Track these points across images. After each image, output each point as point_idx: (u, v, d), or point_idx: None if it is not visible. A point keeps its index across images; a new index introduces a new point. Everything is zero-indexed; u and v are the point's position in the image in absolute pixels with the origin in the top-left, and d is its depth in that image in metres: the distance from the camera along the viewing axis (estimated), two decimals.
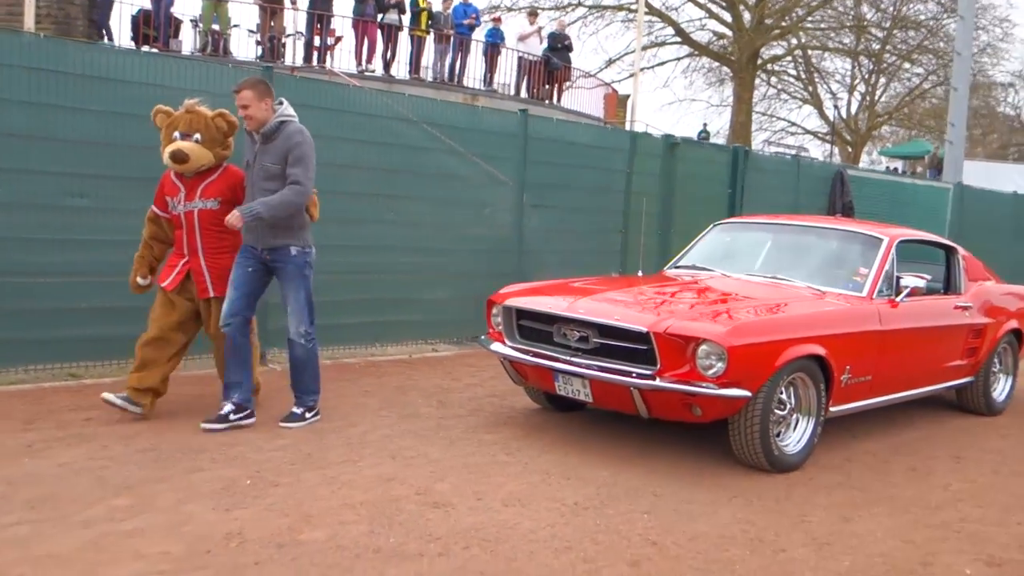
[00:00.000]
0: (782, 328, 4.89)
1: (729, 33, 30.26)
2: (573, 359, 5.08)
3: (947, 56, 30.69)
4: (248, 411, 5.24)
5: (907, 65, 34.11)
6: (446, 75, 16.38)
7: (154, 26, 14.34)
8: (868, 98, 39.75)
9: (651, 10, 28.40)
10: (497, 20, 17.68)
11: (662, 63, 31.48)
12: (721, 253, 6.56)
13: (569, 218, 9.22)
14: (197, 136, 5.14)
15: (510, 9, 23.30)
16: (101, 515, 3.80)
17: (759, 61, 30.31)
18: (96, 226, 6.14)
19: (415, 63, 16.07)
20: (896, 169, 30.64)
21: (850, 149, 40.09)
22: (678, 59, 32.28)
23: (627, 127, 18.91)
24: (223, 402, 5.22)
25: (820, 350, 4.97)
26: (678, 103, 61.95)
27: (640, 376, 4.76)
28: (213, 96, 5.77)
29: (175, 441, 4.88)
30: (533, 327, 5.43)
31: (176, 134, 5.16)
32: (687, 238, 9.57)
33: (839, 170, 12.48)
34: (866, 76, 38.27)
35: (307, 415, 5.37)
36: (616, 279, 6.42)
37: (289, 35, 15.31)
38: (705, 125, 33.76)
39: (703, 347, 4.61)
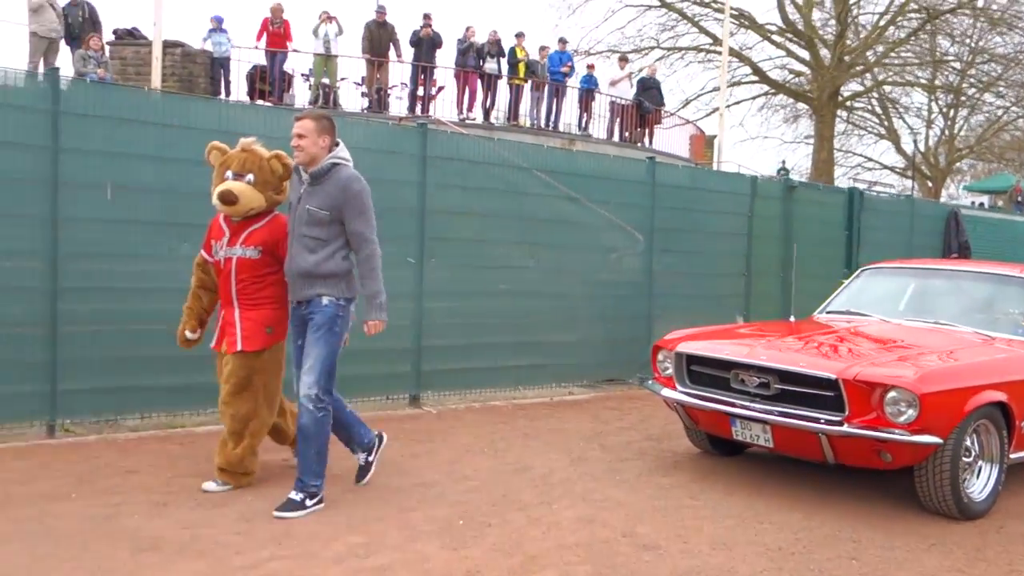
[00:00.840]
0: (969, 375, 4.97)
1: (805, 70, 30.28)
2: (753, 405, 5.21)
3: None
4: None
5: (987, 97, 33.61)
6: (542, 121, 16.74)
7: (268, 81, 14.98)
8: (947, 132, 39.20)
9: (729, 51, 28.63)
10: (591, 67, 18.05)
11: (738, 102, 31.60)
12: (873, 298, 6.63)
13: (694, 262, 9.37)
14: (250, 177, 4.75)
15: (595, 53, 23.62)
16: (344, 551, 4.04)
17: (839, 98, 30.17)
18: None
19: (513, 110, 16.48)
20: (982, 204, 30.12)
21: (930, 184, 39.51)
22: (753, 98, 32.41)
23: (715, 167, 19.08)
24: (356, 453, 5.13)
25: (1002, 396, 5.02)
26: (750, 140, 61.75)
27: (828, 422, 4.87)
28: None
29: (378, 482, 5.12)
30: (707, 372, 5.57)
31: (228, 173, 4.77)
32: (810, 282, 9.68)
33: (952, 210, 12.44)
34: (944, 110, 37.76)
35: (308, 503, 4.58)
36: (778, 324, 6.54)
37: (393, 86, 15.85)
38: (783, 162, 33.74)
39: (892, 393, 4.71)
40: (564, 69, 16.77)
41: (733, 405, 5.31)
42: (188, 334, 4.97)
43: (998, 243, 12.27)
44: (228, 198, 4.68)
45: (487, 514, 4.68)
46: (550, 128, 16.68)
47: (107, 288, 5.96)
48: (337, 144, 4.67)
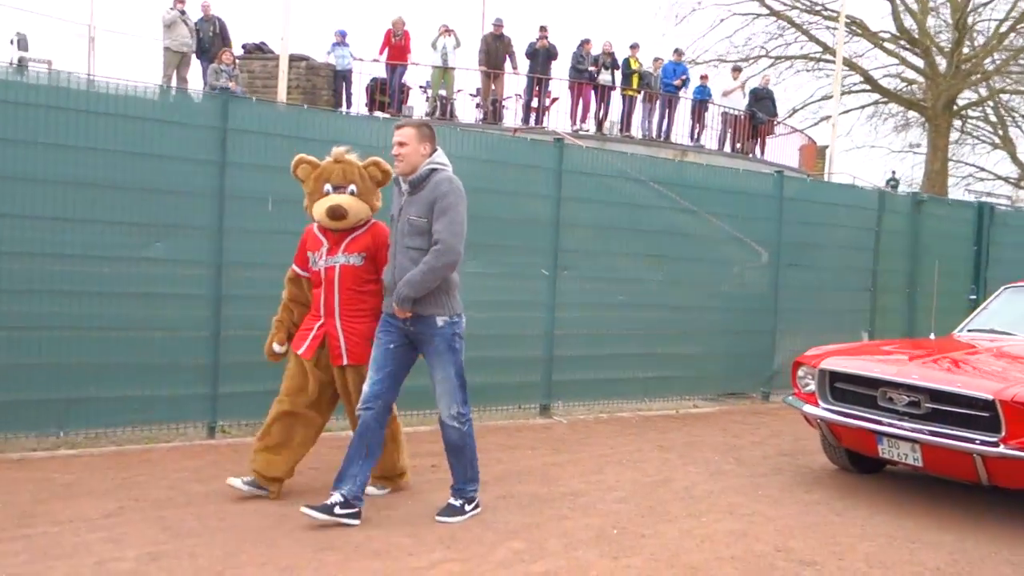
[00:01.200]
0: None
1: (919, 79, 29.42)
2: (903, 423, 5.19)
3: None
4: (356, 510, 4.48)
5: None
6: (654, 132, 16.77)
7: (387, 93, 15.43)
8: None
9: (848, 63, 28.05)
10: (704, 78, 17.98)
11: (847, 110, 30.89)
12: (1017, 317, 6.49)
13: (820, 277, 9.28)
14: (352, 188, 4.71)
15: (702, 62, 23.46)
16: (509, 556, 4.21)
17: (955, 108, 29.21)
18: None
19: (626, 121, 16.55)
20: None
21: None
22: (863, 107, 31.66)
23: (826, 177, 18.74)
24: (332, 490, 4.50)
25: None
26: (855, 149, 60.12)
27: (983, 443, 4.82)
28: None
29: (527, 490, 5.29)
30: (852, 390, 5.56)
31: (328, 187, 4.70)
32: (945, 299, 9.46)
33: None
34: None
35: (467, 508, 4.71)
36: (921, 342, 6.45)
37: (508, 97, 16.13)
38: (894, 173, 32.80)
39: None
40: (677, 83, 16.76)
41: (880, 423, 5.30)
42: (276, 347, 4.91)
43: None
44: (339, 213, 4.64)
45: (639, 524, 4.79)
46: (662, 139, 16.68)
47: (266, 296, 6.29)
48: (437, 151, 4.58)
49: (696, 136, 17.37)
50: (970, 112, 32.78)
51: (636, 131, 16.62)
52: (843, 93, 30.01)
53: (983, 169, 39.72)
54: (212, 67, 13.77)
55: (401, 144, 4.49)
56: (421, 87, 16.01)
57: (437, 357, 4.55)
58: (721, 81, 18.65)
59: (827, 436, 5.86)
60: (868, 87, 29.65)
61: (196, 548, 4.07)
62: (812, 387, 5.81)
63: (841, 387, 5.63)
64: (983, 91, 30.13)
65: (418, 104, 16.09)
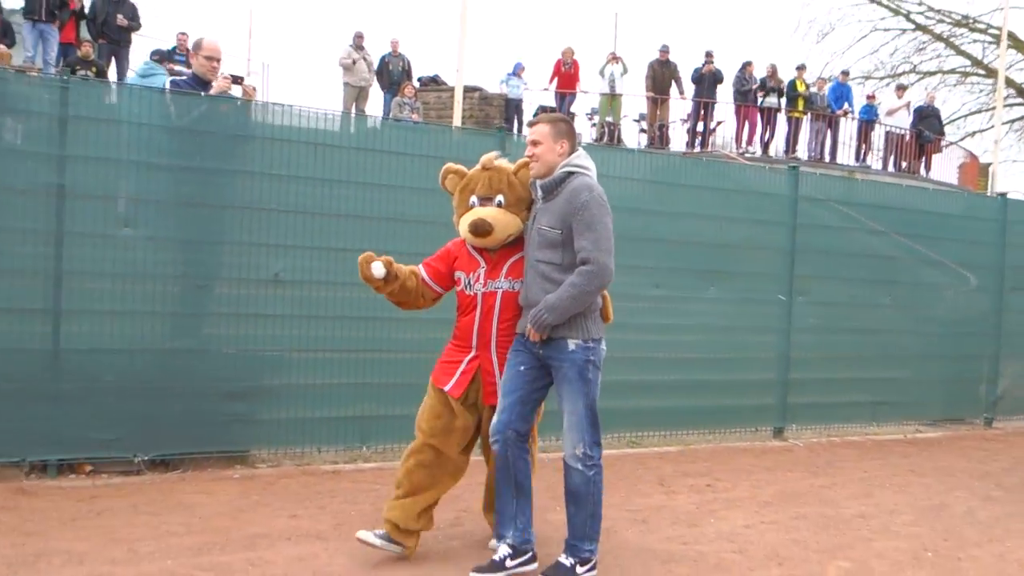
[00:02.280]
0: None
1: None
2: None
3: None
4: (529, 555, 4.08)
5: None
6: (818, 153, 16.67)
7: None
8: None
9: (988, 72, 27.22)
10: (871, 97, 17.78)
11: (988, 127, 29.84)
12: None
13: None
14: (500, 198, 4.06)
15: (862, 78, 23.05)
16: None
17: None
18: (670, 312, 7.02)
19: (791, 143, 16.51)
20: None
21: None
22: (1012, 121, 30.52)
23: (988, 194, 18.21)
24: (497, 542, 4.13)
25: None
26: (1010, 163, 57.82)
27: None
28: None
29: (814, 511, 5.44)
30: None
31: (473, 199, 4.10)
32: None
33: None
34: None
35: (578, 569, 3.97)
36: None
37: (673, 122, 16.34)
38: None
39: None
40: (840, 114, 16.65)
41: None
42: (376, 267, 4.04)
43: None
44: (483, 228, 3.99)
45: (949, 548, 4.86)
46: (827, 160, 16.56)
47: None
48: (578, 151, 4.02)
49: (863, 156, 17.17)
50: None
51: (802, 152, 16.54)
52: (993, 108, 29.14)
53: None
54: (396, 100, 14.45)
55: (534, 143, 3.95)
56: (587, 114, 16.37)
57: (566, 385, 3.93)
58: (885, 99, 18.38)
59: None
60: (1021, 100, 28.63)
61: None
62: None
63: None
64: None
65: (584, 130, 16.46)
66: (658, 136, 15.93)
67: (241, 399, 5.64)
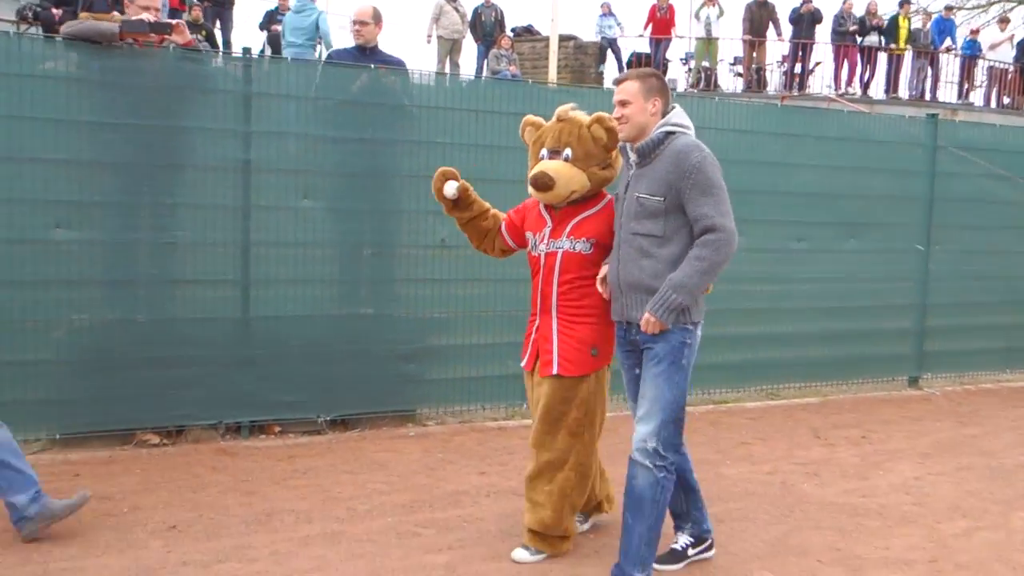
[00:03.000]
0: None
1: None
2: None
3: None
4: (708, 542, 3.91)
5: None
6: (919, 92, 16.26)
7: (646, 65, 15.70)
8: None
9: None
10: (975, 32, 17.22)
11: None
12: None
13: None
14: (567, 152, 3.73)
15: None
16: None
17: None
18: (810, 263, 7.08)
19: (892, 81, 16.13)
20: None
21: None
22: None
23: None
24: (676, 533, 3.91)
25: None
26: None
27: None
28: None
29: (985, 462, 5.51)
30: None
31: (544, 152, 3.81)
32: None
33: None
34: None
35: None
36: None
37: (770, 64, 16.07)
38: None
39: None
40: (943, 50, 16.16)
41: None
42: (449, 186, 3.92)
43: None
44: (543, 182, 3.65)
45: None
46: (928, 99, 16.14)
47: None
48: (673, 108, 3.58)
49: (965, 93, 16.69)
50: None
51: (903, 91, 16.15)
52: None
53: None
54: (494, 52, 14.46)
55: (623, 103, 3.53)
56: (681, 59, 16.19)
57: (653, 367, 3.46)
58: (988, 34, 17.77)
59: None
60: None
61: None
62: None
63: None
64: None
65: (679, 76, 16.31)
66: (755, 79, 15.70)
67: (411, 360, 5.89)
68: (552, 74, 14.50)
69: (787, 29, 15.77)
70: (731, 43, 16.37)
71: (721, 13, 15.52)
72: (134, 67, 5.09)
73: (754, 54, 15.77)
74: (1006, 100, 17.03)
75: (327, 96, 5.53)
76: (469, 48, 15.71)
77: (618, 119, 3.56)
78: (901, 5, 15.84)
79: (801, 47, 15.70)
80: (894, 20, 15.77)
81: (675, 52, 16.35)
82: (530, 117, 3.99)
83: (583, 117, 3.82)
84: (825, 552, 4.05)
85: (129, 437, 5.27)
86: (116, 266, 5.15)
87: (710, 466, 5.25)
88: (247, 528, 4.11)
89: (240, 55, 5.37)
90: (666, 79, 3.75)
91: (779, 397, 7.15)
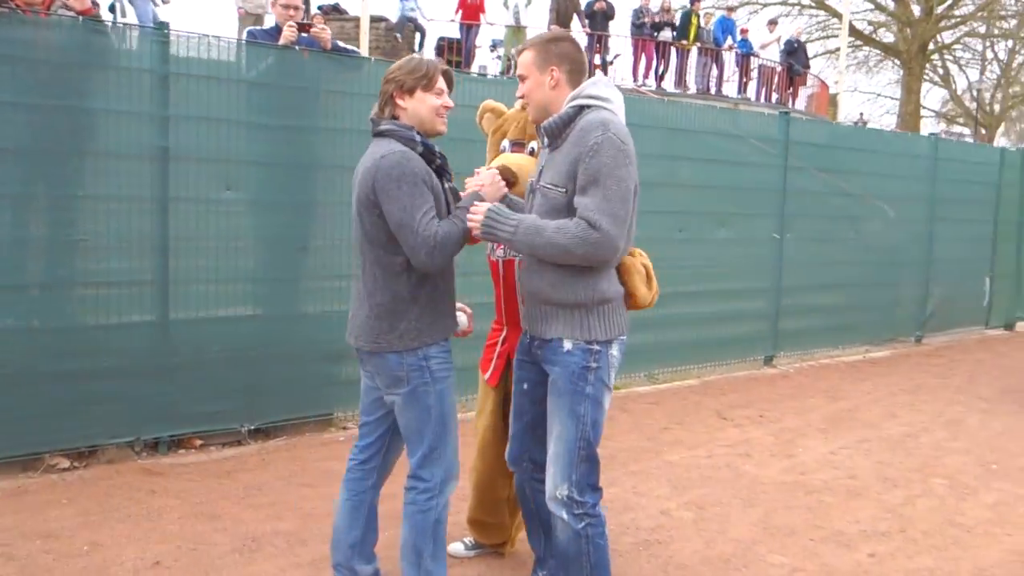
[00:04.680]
0: None
1: (885, 19, 30.74)
2: None
3: None
4: None
5: None
6: (704, 86, 17.47)
7: (457, 51, 15.69)
8: (1004, 79, 39.48)
9: (818, 2, 29.15)
10: (744, 31, 18.67)
11: (820, 54, 32.03)
12: None
13: (959, 229, 10.19)
14: (533, 145, 3.45)
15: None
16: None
17: (928, 51, 30.67)
18: (691, 252, 7.43)
19: (680, 75, 17.19)
20: None
21: (984, 131, 39.95)
22: (834, 50, 32.87)
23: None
24: (536, 571, 3.48)
25: None
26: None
27: None
28: None
29: (864, 433, 6.08)
30: None
31: (505, 143, 3.52)
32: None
33: None
34: (1001, 57, 37.93)
35: None
36: None
37: None
38: (861, 115, 34.34)
39: None
40: (727, 48, 17.44)
41: None
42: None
43: None
44: (505, 177, 3.18)
45: (1001, 459, 5.62)
46: (713, 93, 17.39)
47: None
48: (585, 78, 2.96)
49: (743, 89, 18.14)
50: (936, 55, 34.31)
51: (691, 85, 17.26)
52: (820, 38, 31.29)
53: (925, 108, 41.80)
54: (257, 29, 13.75)
55: (522, 79, 2.98)
56: (490, 46, 16.30)
57: (554, 399, 2.94)
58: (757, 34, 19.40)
59: None
60: (852, 38, 30.81)
61: None
62: None
63: None
64: (951, 36, 31.73)
65: (488, 63, 16.41)
66: None
67: (337, 361, 5.56)
68: (363, 51, 14.10)
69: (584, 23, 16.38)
70: (539, 32, 16.71)
71: (529, 2, 15.81)
72: (28, 38, 4.39)
73: None
74: (774, 97, 18.70)
75: (257, 80, 5.07)
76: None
77: (520, 98, 3.07)
78: (692, 3, 16.92)
79: (597, 40, 16.35)
80: (687, 17, 16.82)
81: (484, 38, 16.46)
82: (489, 103, 3.69)
83: None
84: (811, 530, 4.31)
85: (33, 463, 4.59)
86: (11, 268, 4.45)
87: (652, 454, 5.39)
88: (242, 558, 3.73)
89: (156, 28, 4.78)
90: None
91: (658, 381, 7.45)
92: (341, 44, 5.81)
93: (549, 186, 2.87)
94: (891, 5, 30.02)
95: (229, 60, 5.05)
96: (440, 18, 16.01)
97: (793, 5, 28.70)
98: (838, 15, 29.49)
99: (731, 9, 18.13)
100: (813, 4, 28.22)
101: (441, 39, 15.91)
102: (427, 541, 3.00)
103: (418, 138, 2.96)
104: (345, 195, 5.36)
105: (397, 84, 2.97)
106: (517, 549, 3.87)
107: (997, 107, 39.89)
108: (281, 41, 5.33)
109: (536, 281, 2.92)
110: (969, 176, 10.26)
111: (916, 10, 29.21)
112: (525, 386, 3.14)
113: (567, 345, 2.89)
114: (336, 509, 3.28)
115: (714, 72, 17.57)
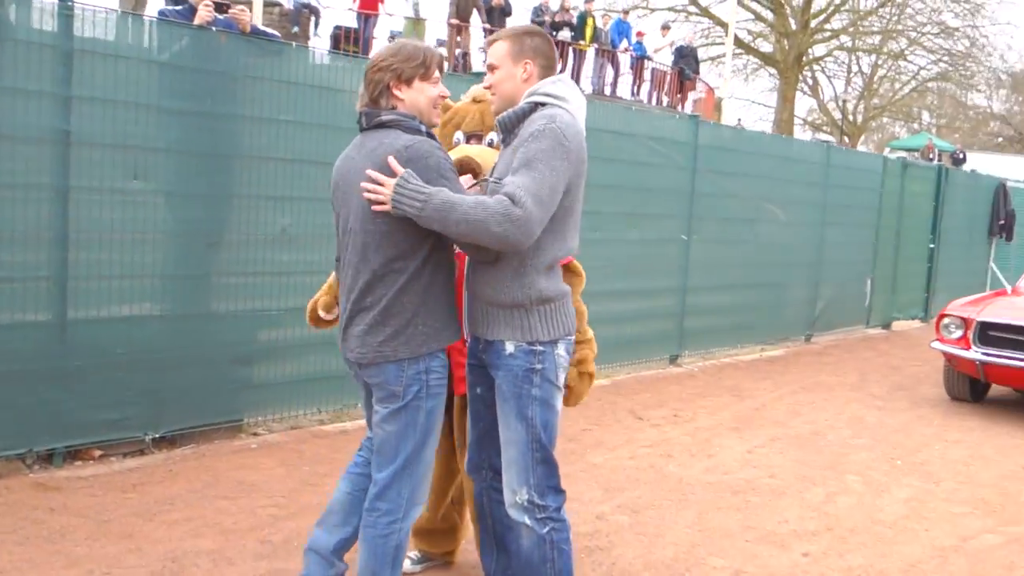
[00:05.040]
0: None
1: (763, 28, 31.96)
2: None
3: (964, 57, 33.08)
4: None
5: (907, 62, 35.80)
6: (604, 87, 17.65)
7: (353, 41, 15.31)
8: (866, 91, 41.65)
9: (703, 11, 30.00)
10: (640, 34, 18.95)
11: (704, 60, 32.98)
12: None
13: (846, 233, 10.59)
14: (492, 137, 3.32)
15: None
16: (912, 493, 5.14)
17: (803, 61, 32.02)
18: (605, 252, 7.43)
19: (576, 75, 17.28)
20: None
21: (847, 139, 42.06)
22: (714, 58, 33.93)
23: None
24: None
25: None
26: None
27: None
28: None
29: (779, 432, 6.21)
30: (1004, 336, 6.83)
31: (459, 135, 3.39)
32: (912, 248, 11.15)
33: (1001, 183, 14.08)
34: (865, 71, 40.00)
35: None
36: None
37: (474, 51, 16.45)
38: (739, 120, 35.54)
39: None
40: (622, 50, 17.66)
41: None
42: (322, 313, 3.32)
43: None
44: (468, 169, 3.15)
45: (904, 454, 5.83)
46: (608, 94, 17.58)
47: None
48: (551, 75, 2.90)
49: (636, 91, 18.42)
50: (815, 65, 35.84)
51: (585, 86, 17.39)
52: (703, 45, 32.20)
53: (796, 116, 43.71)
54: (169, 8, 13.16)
55: (491, 68, 2.89)
56: (389, 38, 15.95)
57: (502, 405, 2.86)
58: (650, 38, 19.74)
59: (951, 372, 7.16)
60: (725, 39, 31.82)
61: None
62: (958, 335, 7.06)
63: (995, 335, 6.89)
64: (823, 49, 33.25)
65: None
66: (460, 64, 15.97)
67: (247, 364, 5.29)
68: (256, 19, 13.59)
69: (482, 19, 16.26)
70: (439, 25, 16.54)
71: None
72: None
73: (459, 38, 16.06)
74: (665, 100, 19.08)
75: (171, 61, 4.74)
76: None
77: (487, 88, 2.96)
78: (586, 3, 17.05)
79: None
80: (582, 18, 16.94)
81: (383, 29, 16.11)
82: None
83: None
84: (745, 531, 4.33)
85: None
86: None
87: (576, 456, 5.34)
88: None
89: (61, 1, 4.38)
90: (543, 43, 2.93)
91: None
92: (261, 27, 5.49)
93: (496, 180, 2.80)
94: (770, 16, 31.32)
95: (140, 39, 4.69)
96: (337, 5, 15.41)
97: (680, 11, 29.43)
98: (723, 24, 30.58)
99: (626, 12, 18.35)
100: (698, 12, 28.94)
101: (337, 27, 15.48)
102: (386, 568, 2.81)
103: (424, 129, 2.80)
104: (263, 187, 5.17)
105: (395, 73, 2.77)
106: (465, 559, 3.74)
107: (860, 117, 42.12)
108: (196, 21, 5.00)
109: (478, 280, 2.87)
110: (856, 183, 10.69)
111: (793, 23, 30.53)
112: (478, 390, 3.04)
113: (509, 347, 2.83)
114: (335, 496, 3.09)
115: (609, 73, 17.76)
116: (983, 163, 27.96)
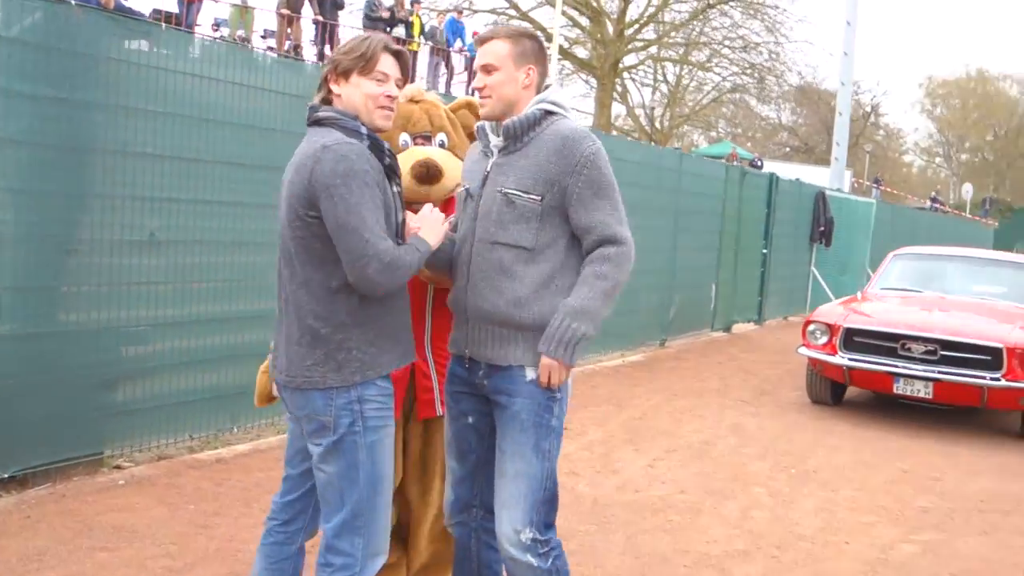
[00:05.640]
0: None
1: (579, 35, 32.78)
2: (916, 368, 6.84)
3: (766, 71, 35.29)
4: None
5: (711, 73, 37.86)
6: (433, 85, 17.30)
7: (176, 25, 14.19)
8: (671, 100, 43.73)
9: (522, 15, 30.30)
10: (476, 34, 18.69)
11: None
12: (915, 278, 8.48)
13: (696, 240, 10.82)
14: (442, 138, 3.10)
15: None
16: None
17: (619, 68, 33.09)
18: None
19: (411, 74, 16.85)
20: None
21: (655, 145, 43.93)
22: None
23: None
24: None
25: None
26: None
27: (991, 379, 6.62)
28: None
29: (665, 443, 6.14)
30: (871, 342, 7.10)
31: (405, 137, 3.08)
32: (748, 253, 11.62)
33: (821, 191, 14.95)
34: (670, 80, 41.95)
35: None
36: (877, 297, 8.15)
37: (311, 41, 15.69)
38: None
39: None
40: (456, 50, 17.42)
41: (896, 367, 6.91)
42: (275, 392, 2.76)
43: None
44: (433, 172, 2.92)
45: (795, 462, 5.91)
46: (442, 93, 17.25)
47: None
48: (548, 85, 2.80)
49: (471, 91, 18.15)
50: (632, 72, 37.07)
51: (420, 84, 17.01)
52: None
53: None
54: None
55: (487, 69, 2.66)
56: (213, 25, 14.88)
57: (516, 434, 2.63)
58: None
59: (847, 378, 7.36)
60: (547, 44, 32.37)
61: None
62: (824, 340, 7.29)
63: (860, 340, 7.15)
64: (640, 56, 34.49)
65: None
66: (291, 55, 15.14)
67: (110, 388, 4.60)
68: None
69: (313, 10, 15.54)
70: (268, 15, 15.62)
71: None
72: None
73: (289, 30, 15.24)
74: None
75: (19, 37, 4.01)
76: None
77: (479, 90, 2.69)
78: (412, 4, 16.66)
79: (327, 28, 15.58)
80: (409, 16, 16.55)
81: (207, 16, 15.02)
82: None
83: (439, 99, 3.31)
84: (679, 555, 4.17)
85: None
86: None
87: None
88: None
89: None
90: (541, 48, 2.79)
91: None
92: (127, 5, 4.79)
93: (519, 193, 2.62)
94: (587, 23, 32.12)
95: None
96: None
97: (501, 14, 29.57)
98: (543, 29, 31.06)
99: (460, 11, 18.10)
100: (518, 16, 29.21)
101: (156, 11, 14.27)
102: None
103: (364, 130, 2.45)
104: (129, 186, 4.50)
105: (332, 65, 2.47)
106: None
107: (667, 124, 44.12)
108: None
109: (492, 297, 2.63)
110: (704, 189, 10.95)
111: (611, 30, 31.45)
112: (470, 419, 2.77)
113: (530, 374, 2.63)
114: None
115: (443, 72, 17.47)
116: (775, 170, 29.92)
